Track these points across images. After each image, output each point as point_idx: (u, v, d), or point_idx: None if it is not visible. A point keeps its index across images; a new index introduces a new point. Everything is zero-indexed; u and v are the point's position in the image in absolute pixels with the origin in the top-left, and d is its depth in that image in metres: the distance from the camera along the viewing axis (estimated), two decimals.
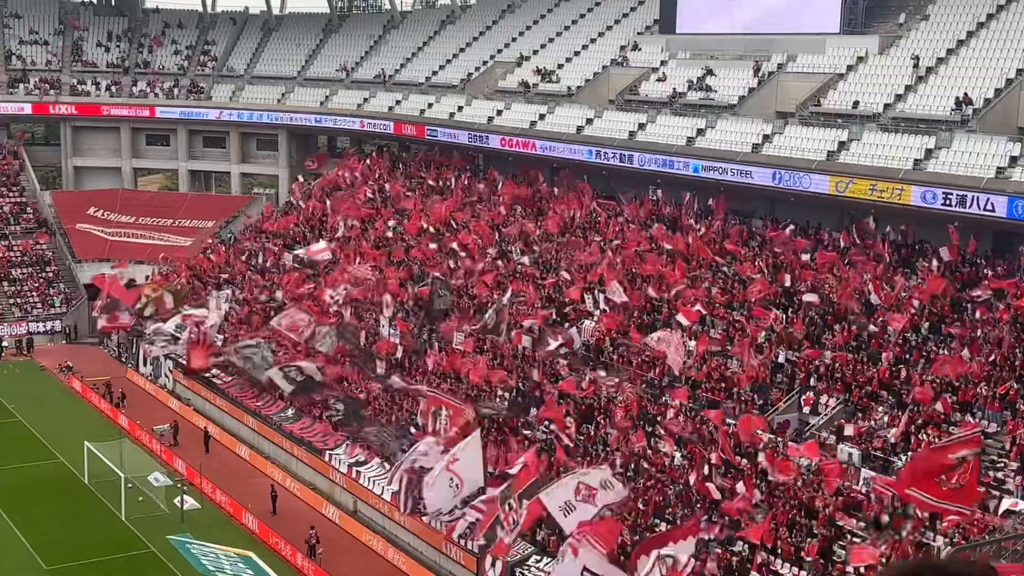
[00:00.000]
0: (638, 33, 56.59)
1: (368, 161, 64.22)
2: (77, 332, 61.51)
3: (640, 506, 30.98)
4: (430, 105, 60.28)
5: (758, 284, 38.01)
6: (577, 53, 58.04)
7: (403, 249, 51.37)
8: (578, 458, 33.39)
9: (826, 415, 32.31)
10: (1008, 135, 36.27)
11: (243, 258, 58.94)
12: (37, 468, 42.80)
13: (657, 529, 29.73)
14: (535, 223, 49.49)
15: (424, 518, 33.61)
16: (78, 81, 72.03)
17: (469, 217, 52.37)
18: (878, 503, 27.76)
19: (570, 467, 31.80)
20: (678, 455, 32.70)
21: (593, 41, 58.53)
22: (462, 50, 65.70)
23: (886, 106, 41.38)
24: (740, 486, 29.33)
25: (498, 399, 38.23)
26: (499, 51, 62.78)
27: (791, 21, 47.44)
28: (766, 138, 42.72)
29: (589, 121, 50.42)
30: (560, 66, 57.14)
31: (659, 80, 51.08)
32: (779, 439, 31.53)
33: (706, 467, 30.79)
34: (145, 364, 54.60)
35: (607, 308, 40.53)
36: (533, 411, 37.22)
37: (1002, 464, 27.97)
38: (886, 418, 30.83)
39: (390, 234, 53.80)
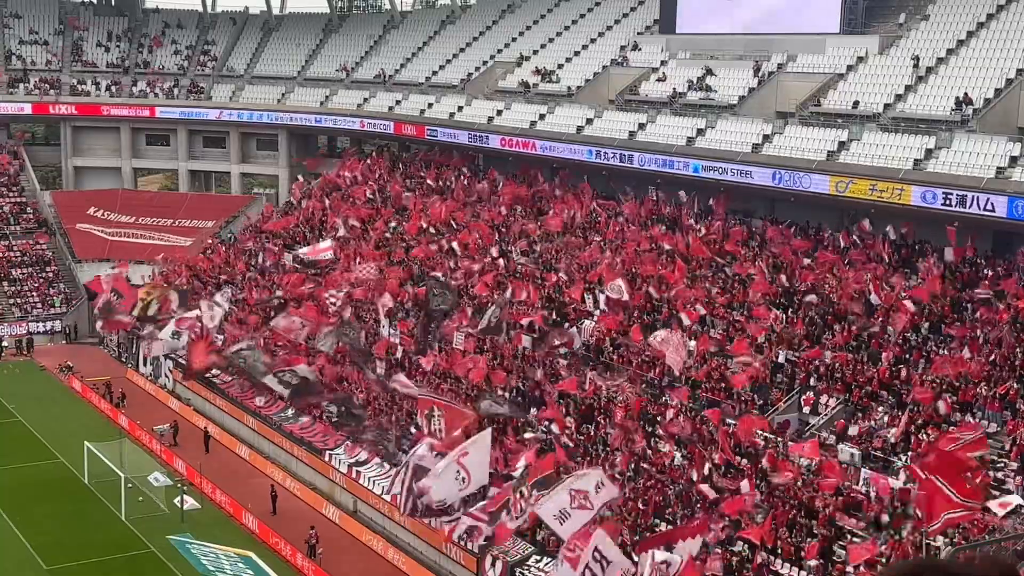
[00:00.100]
0: (638, 33, 56.60)
1: (368, 161, 64.25)
2: (77, 332, 61.51)
3: (640, 506, 30.99)
4: (430, 105, 60.29)
5: (758, 284, 38.01)
6: (577, 53, 58.05)
7: (403, 249, 51.39)
8: (578, 458, 33.38)
9: (826, 415, 32.32)
10: (1008, 135, 36.27)
11: (244, 258, 58.94)
12: (37, 468, 42.80)
13: (657, 529, 29.74)
14: (535, 223, 49.49)
15: (425, 519, 33.56)
16: (78, 81, 72.04)
17: (469, 217, 52.37)
18: (878, 503, 27.78)
19: (570, 467, 31.76)
20: (678, 455, 32.70)
21: (593, 41, 58.53)
22: (462, 50, 65.71)
23: (886, 106, 41.38)
24: (745, 485, 29.33)
25: (500, 396, 38.09)
26: (499, 51, 62.79)
27: (791, 21, 47.45)
28: (766, 138, 42.72)
29: (589, 121, 50.42)
30: (560, 66, 57.15)
31: (659, 80, 51.09)
32: (779, 439, 31.53)
33: (706, 467, 30.79)
34: (145, 364, 54.60)
35: (607, 308, 40.52)
36: (533, 411, 37.23)
37: (1002, 464, 27.97)
38: (886, 418, 30.84)
39: (390, 235, 53.82)
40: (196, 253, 61.89)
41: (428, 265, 48.81)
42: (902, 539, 26.20)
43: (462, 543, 32.60)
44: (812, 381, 33.41)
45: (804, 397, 33.17)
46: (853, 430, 30.94)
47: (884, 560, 25.68)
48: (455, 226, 51.93)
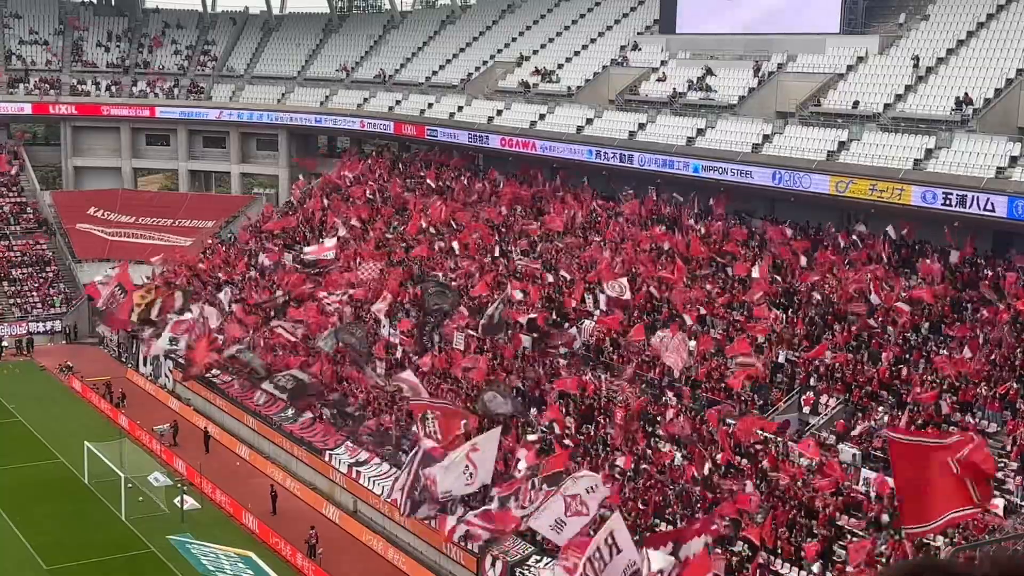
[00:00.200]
0: (638, 33, 56.61)
1: (368, 161, 64.24)
2: (77, 332, 61.52)
3: (640, 506, 30.99)
4: (430, 105, 60.29)
5: (759, 284, 38.01)
6: (577, 53, 58.05)
7: (403, 249, 51.38)
8: (578, 458, 33.39)
9: (826, 415, 32.32)
10: (1008, 135, 36.27)
11: (244, 258, 58.92)
12: (37, 468, 42.80)
13: (657, 529, 29.73)
14: (535, 223, 49.49)
15: (424, 518, 33.56)
16: (78, 81, 72.03)
17: (469, 217, 52.36)
18: (878, 503, 27.78)
19: (570, 468, 31.75)
20: (678, 455, 32.71)
21: (593, 41, 58.54)
22: (462, 50, 65.71)
23: (886, 106, 41.39)
24: (749, 485, 29.32)
25: (505, 388, 37.90)
26: (499, 51, 62.79)
27: (791, 21, 47.46)
28: (766, 138, 42.72)
29: (589, 121, 50.42)
30: (560, 66, 57.15)
31: (659, 80, 51.09)
32: (779, 439, 31.53)
33: (706, 467, 30.79)
34: (145, 364, 54.59)
35: (606, 308, 40.51)
36: (533, 411, 37.22)
37: (1002, 464, 27.97)
38: (886, 418, 30.83)
39: (390, 235, 53.81)
40: (196, 253, 61.88)
41: (428, 265, 48.81)
42: (902, 539, 26.19)
43: (462, 543, 32.62)
44: (812, 381, 33.42)
45: (804, 397, 33.18)
46: (854, 430, 30.95)
47: (884, 560, 25.69)
48: (455, 226, 51.92)
